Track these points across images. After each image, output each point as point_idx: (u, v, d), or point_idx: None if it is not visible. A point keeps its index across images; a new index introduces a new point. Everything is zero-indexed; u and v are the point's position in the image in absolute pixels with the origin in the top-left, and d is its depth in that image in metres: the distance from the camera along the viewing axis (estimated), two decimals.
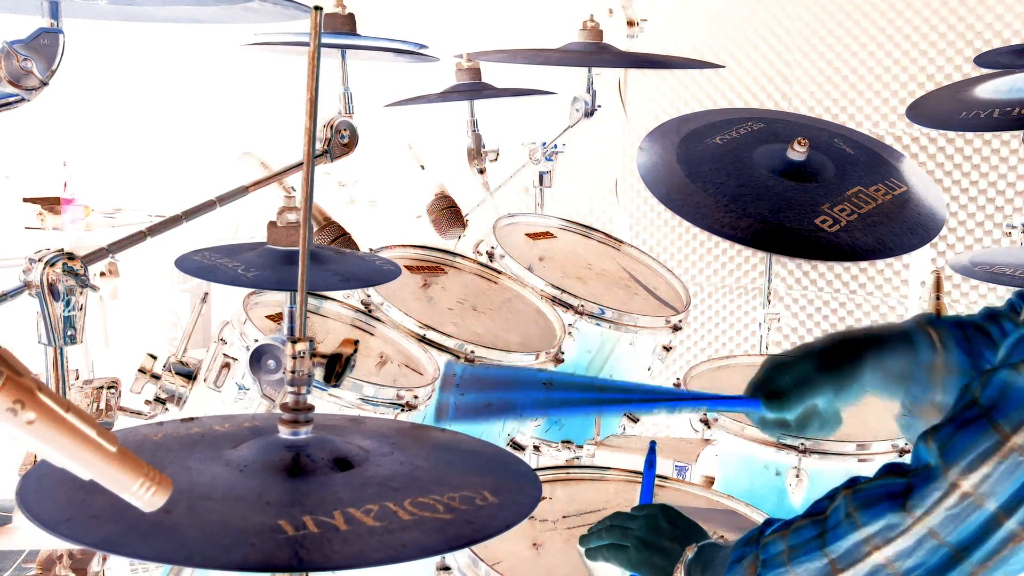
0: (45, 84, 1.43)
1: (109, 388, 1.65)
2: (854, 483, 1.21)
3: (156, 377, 2.07)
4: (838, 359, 1.51)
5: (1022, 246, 3.16)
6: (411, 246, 2.72)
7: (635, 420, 2.81)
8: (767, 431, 1.61)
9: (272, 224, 1.76)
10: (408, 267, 2.62)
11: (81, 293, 1.40)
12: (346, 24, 2.28)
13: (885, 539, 1.14)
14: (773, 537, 1.26)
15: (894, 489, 1.15)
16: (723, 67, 3.83)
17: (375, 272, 1.89)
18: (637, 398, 1.68)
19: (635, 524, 1.52)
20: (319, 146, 1.90)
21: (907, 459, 1.20)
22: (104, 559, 1.51)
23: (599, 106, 3.09)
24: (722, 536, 1.62)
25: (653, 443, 1.85)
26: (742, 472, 2.32)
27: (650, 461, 1.78)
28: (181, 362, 2.09)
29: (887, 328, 1.53)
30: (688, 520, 1.53)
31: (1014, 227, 3.24)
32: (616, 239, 3.12)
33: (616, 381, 2.30)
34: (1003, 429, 1.08)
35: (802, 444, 2.25)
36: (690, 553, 1.43)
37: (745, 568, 1.28)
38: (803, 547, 1.22)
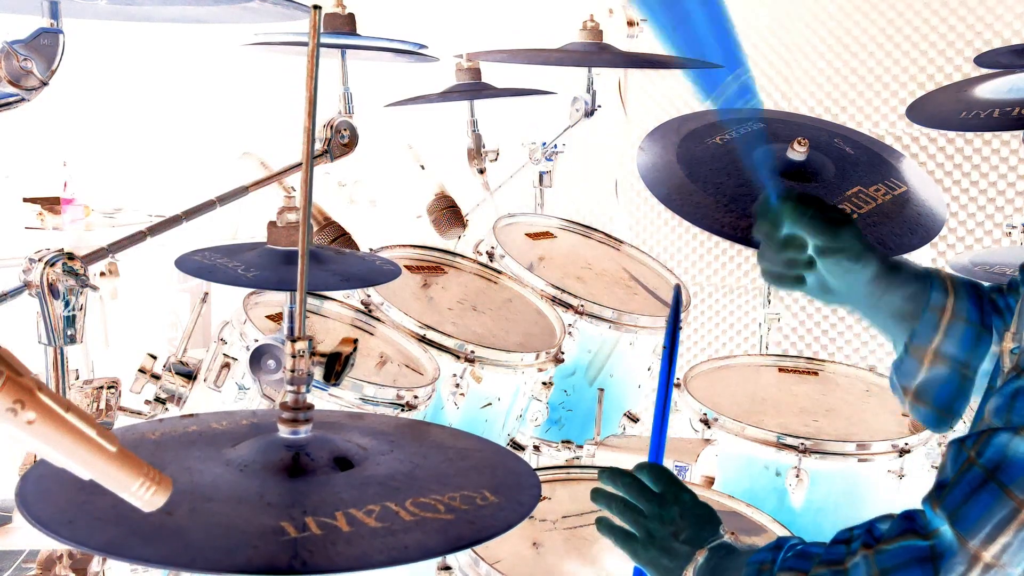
0: (45, 84, 1.43)
1: (109, 388, 1.64)
2: (873, 536, 1.19)
3: (156, 377, 2.07)
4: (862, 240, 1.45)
5: (1022, 246, 3.16)
6: (411, 246, 2.72)
7: (635, 420, 2.81)
8: (763, 221, 1.48)
9: (272, 224, 1.76)
10: (408, 267, 2.62)
11: (81, 293, 1.40)
12: (346, 24, 2.28)
13: None
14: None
15: (918, 554, 1.15)
16: (723, 67, 3.82)
17: (375, 272, 1.89)
18: None
19: (649, 511, 1.46)
20: (319, 146, 1.90)
21: (915, 493, 1.18)
22: (104, 559, 1.51)
23: (599, 106, 3.09)
24: (732, 533, 1.58)
25: (678, 287, 1.73)
26: (742, 472, 2.32)
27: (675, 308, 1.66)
28: (181, 362, 2.09)
29: (903, 260, 1.50)
30: (706, 508, 1.46)
31: (1014, 227, 3.24)
32: (616, 239, 3.12)
33: None
34: (1016, 496, 1.10)
35: (802, 444, 2.26)
36: (700, 558, 1.39)
37: None
38: None
